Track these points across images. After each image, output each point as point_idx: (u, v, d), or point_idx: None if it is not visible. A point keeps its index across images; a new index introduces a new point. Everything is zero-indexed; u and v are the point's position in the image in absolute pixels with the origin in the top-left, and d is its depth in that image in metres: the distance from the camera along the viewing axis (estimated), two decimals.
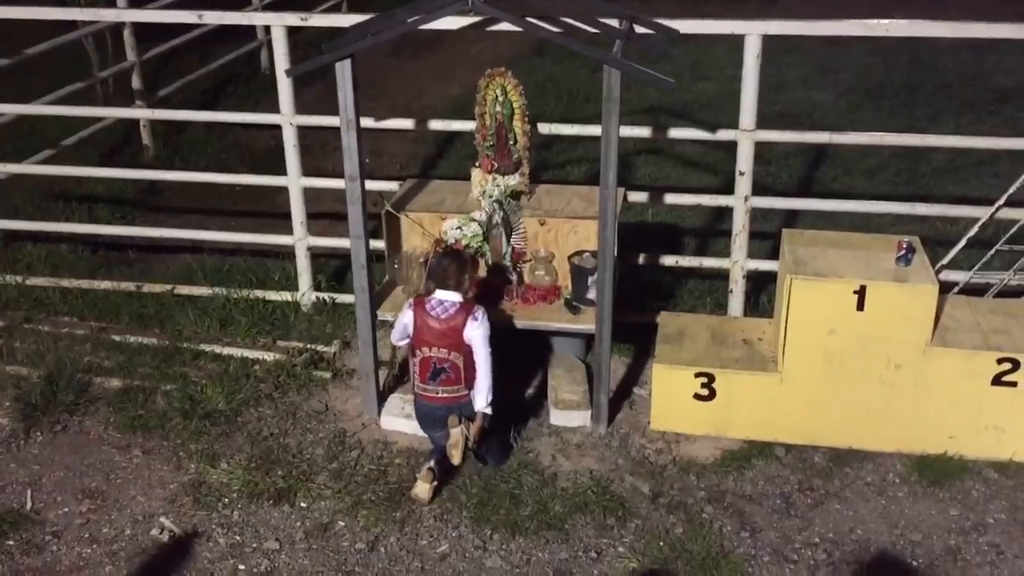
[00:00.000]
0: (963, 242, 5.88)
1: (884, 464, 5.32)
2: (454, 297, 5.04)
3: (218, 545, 4.86)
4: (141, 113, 9.07)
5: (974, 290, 5.88)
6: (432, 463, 5.06)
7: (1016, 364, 5.12)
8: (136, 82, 9.59)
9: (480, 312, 5.05)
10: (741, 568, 4.65)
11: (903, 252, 5.27)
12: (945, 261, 5.93)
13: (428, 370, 5.07)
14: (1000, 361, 5.13)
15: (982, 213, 5.84)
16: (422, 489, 5.00)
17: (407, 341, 5.19)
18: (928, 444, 5.33)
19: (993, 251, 5.83)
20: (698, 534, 4.84)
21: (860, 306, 5.13)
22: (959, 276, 5.96)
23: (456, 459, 5.00)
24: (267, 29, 8.93)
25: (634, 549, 4.78)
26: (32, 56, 7.95)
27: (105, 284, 7.15)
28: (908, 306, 5.12)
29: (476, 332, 4.99)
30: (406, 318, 5.12)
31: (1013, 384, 5.15)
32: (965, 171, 8.66)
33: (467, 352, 5.02)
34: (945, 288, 5.63)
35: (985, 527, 4.91)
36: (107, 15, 8.15)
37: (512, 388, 5.29)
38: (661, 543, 4.80)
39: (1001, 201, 5.75)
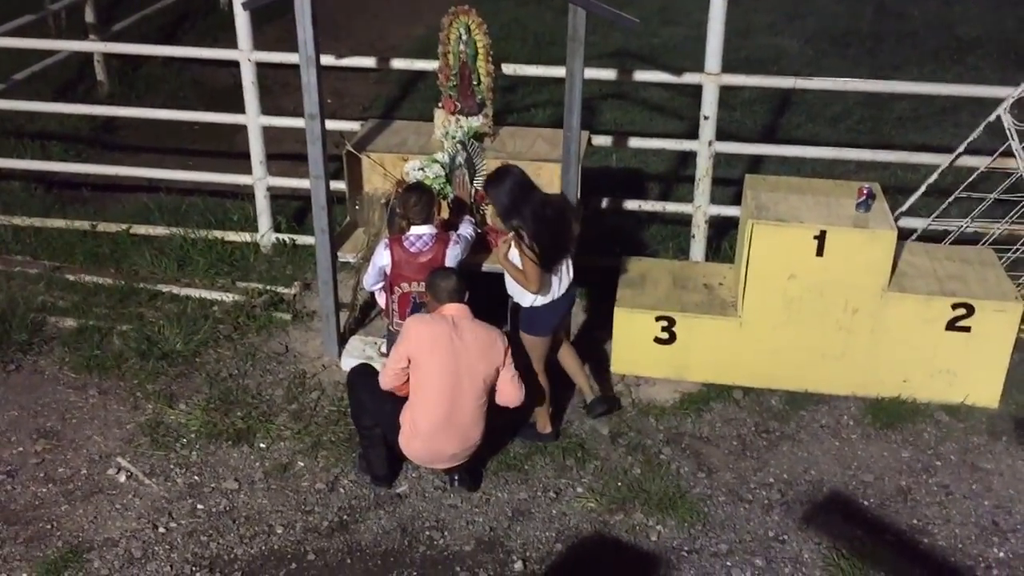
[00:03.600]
0: (922, 189, 5.94)
1: (839, 407, 5.40)
2: (429, 229, 5.08)
3: (176, 485, 4.84)
4: (95, 46, 8.81)
5: (932, 237, 5.94)
6: None
7: (970, 310, 5.20)
8: (89, 15, 9.28)
9: (455, 235, 5.18)
10: (697, 508, 4.73)
11: (863, 198, 5.30)
12: (904, 208, 5.98)
13: (408, 306, 5.09)
14: (955, 306, 5.21)
15: (942, 161, 5.88)
16: None
17: (382, 284, 5.19)
18: (883, 388, 5.42)
19: (951, 199, 5.88)
20: (656, 475, 4.90)
21: (820, 251, 5.16)
22: (918, 223, 6.02)
23: None
24: None
25: (592, 489, 4.83)
26: None
27: (59, 223, 7.01)
28: (867, 252, 5.16)
29: (454, 249, 5.13)
30: (383, 259, 5.11)
31: (967, 329, 5.23)
32: (927, 120, 8.71)
33: None
34: (904, 235, 5.69)
35: (935, 468, 5.02)
36: None
37: None
38: (619, 483, 4.86)
39: (960, 149, 5.80)
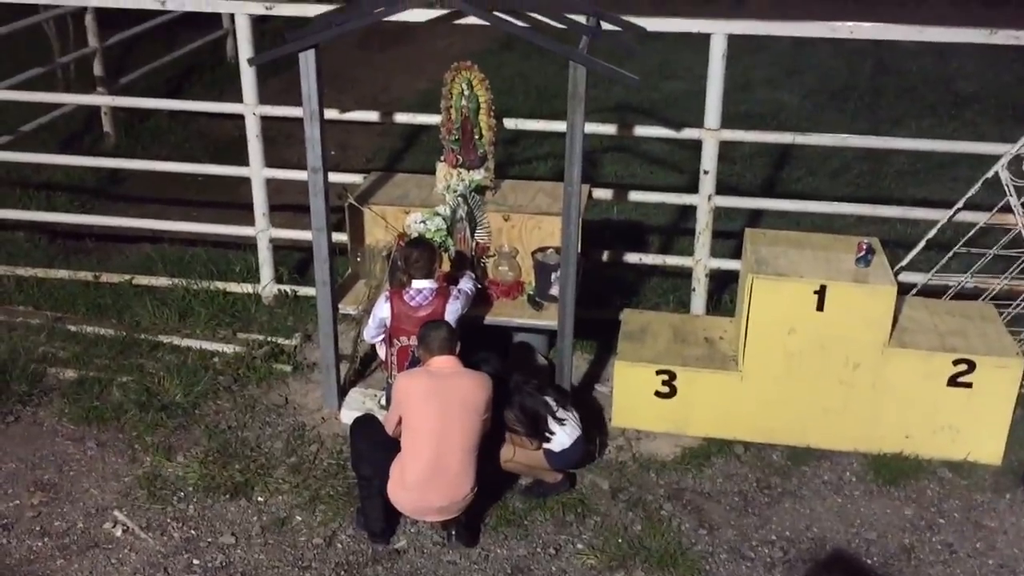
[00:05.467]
0: (922, 244, 5.96)
1: (841, 463, 5.36)
2: (430, 284, 5.11)
3: (172, 539, 4.80)
4: (102, 100, 8.92)
5: (932, 292, 5.95)
6: None
7: (971, 365, 5.18)
8: (98, 68, 9.42)
9: (455, 290, 5.22)
10: (698, 565, 4.67)
11: (863, 253, 5.32)
12: (904, 263, 5.99)
13: (407, 359, 5.09)
14: (956, 362, 5.19)
15: (941, 216, 5.91)
16: None
17: (382, 336, 5.21)
18: (885, 443, 5.39)
19: (951, 254, 5.89)
20: (656, 531, 4.85)
21: (820, 306, 5.17)
22: (918, 278, 6.03)
23: None
24: (232, 17, 8.80)
25: (592, 546, 4.78)
26: None
27: (62, 273, 7.03)
28: (867, 307, 5.17)
29: (454, 304, 5.18)
30: (383, 312, 5.14)
31: (968, 385, 5.21)
32: (926, 174, 8.77)
33: None
34: (904, 289, 5.69)
35: (939, 526, 4.97)
36: None
37: None
38: (620, 540, 4.81)
39: (959, 205, 5.83)
